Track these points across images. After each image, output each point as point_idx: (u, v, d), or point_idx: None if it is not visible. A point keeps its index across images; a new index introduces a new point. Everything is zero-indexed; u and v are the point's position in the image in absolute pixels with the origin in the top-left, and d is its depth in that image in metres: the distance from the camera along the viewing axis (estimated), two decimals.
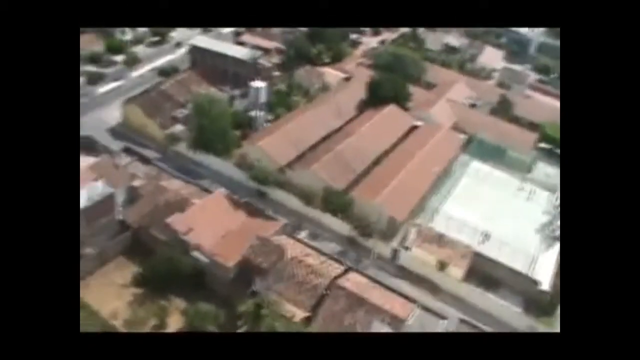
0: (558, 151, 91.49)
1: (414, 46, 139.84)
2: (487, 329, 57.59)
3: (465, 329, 57.29)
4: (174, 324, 56.82)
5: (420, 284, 66.11)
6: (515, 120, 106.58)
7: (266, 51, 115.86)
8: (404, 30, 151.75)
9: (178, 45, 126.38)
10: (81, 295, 57.75)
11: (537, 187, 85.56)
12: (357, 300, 55.68)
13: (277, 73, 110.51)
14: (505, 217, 75.78)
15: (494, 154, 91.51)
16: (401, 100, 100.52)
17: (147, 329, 56.04)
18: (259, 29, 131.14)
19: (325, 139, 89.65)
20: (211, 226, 62.79)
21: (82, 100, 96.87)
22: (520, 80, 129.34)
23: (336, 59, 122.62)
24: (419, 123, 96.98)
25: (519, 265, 67.85)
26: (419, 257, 68.66)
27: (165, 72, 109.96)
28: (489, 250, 69.53)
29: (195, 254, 60.98)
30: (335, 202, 73.47)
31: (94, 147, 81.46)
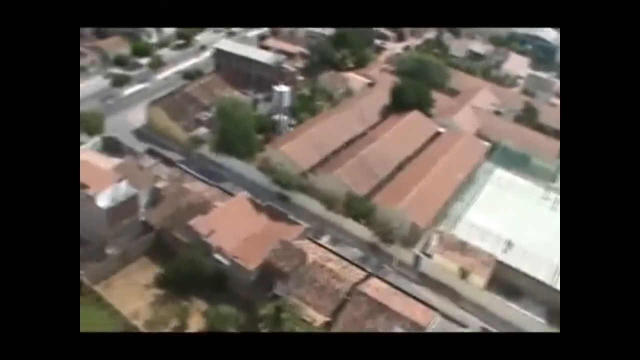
0: None
1: (438, 52, 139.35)
2: None
3: None
4: (195, 325, 56.99)
5: (441, 291, 65.67)
6: (540, 128, 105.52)
7: (290, 55, 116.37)
8: (428, 36, 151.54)
9: (203, 48, 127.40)
10: (104, 294, 58.45)
11: None
12: (378, 306, 55.40)
13: (300, 77, 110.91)
14: (528, 226, 74.94)
15: (518, 162, 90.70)
16: (424, 106, 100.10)
17: (168, 329, 56.30)
18: (285, 33, 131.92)
19: (348, 144, 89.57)
20: (233, 229, 62.96)
21: (107, 102, 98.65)
22: (546, 88, 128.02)
23: (360, 64, 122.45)
24: (442, 129, 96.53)
25: (542, 275, 67.01)
26: (441, 265, 68.13)
27: (190, 75, 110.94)
28: (512, 259, 68.79)
29: (217, 256, 61.18)
30: (358, 208, 73.29)
31: (118, 148, 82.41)
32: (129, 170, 70.84)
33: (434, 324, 54.99)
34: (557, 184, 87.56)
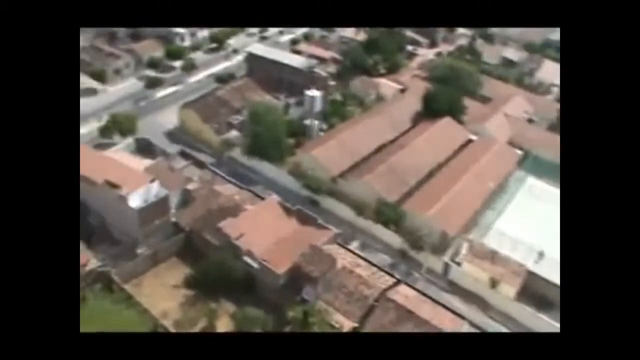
0: None
1: (470, 59, 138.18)
2: None
3: None
4: (223, 326, 57.30)
5: (470, 300, 65.02)
6: None
7: (322, 60, 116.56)
8: (461, 42, 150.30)
9: (235, 52, 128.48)
10: (133, 293, 59.15)
11: None
12: (406, 313, 55.03)
13: (332, 82, 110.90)
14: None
15: (550, 171, 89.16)
16: (456, 113, 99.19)
17: (196, 330, 56.71)
18: (317, 38, 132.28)
19: (379, 150, 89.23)
20: (263, 232, 63.17)
21: (140, 103, 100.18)
22: None
23: (392, 70, 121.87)
24: (474, 137, 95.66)
25: None
26: (470, 273, 67.39)
27: (222, 78, 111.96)
28: (543, 270, 67.71)
29: (246, 259, 61.44)
30: (387, 214, 72.97)
31: (151, 150, 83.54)
32: (161, 172, 71.61)
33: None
34: None
